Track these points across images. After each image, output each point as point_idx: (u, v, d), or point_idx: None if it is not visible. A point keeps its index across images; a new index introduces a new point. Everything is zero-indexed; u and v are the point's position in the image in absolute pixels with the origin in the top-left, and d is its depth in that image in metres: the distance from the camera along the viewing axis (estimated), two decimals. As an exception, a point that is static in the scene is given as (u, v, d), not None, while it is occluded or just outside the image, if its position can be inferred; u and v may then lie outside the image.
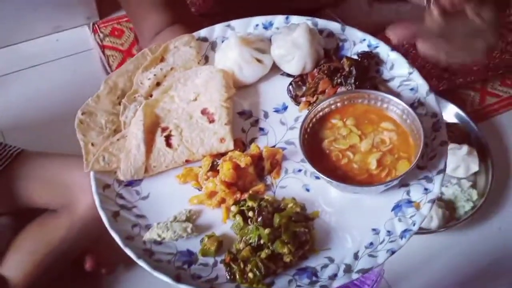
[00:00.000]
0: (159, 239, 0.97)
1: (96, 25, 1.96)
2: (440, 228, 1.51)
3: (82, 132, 1.08)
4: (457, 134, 1.64)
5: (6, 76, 1.90)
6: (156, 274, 0.92)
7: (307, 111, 1.05)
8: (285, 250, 0.92)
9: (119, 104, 1.13)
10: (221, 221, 1.00)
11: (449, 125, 1.66)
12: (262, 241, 0.94)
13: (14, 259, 1.33)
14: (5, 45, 1.96)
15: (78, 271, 1.43)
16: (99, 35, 1.93)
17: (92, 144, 1.07)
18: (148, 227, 1.00)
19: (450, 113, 1.69)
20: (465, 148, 1.58)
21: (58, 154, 1.42)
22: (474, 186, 1.60)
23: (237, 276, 0.92)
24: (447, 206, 1.56)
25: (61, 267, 1.39)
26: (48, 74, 1.89)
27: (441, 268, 1.54)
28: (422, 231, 1.49)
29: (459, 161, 1.57)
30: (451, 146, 1.59)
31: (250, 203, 0.98)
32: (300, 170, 1.05)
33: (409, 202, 0.98)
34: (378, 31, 1.62)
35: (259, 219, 0.95)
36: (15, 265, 1.33)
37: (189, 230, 0.98)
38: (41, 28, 1.95)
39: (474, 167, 1.59)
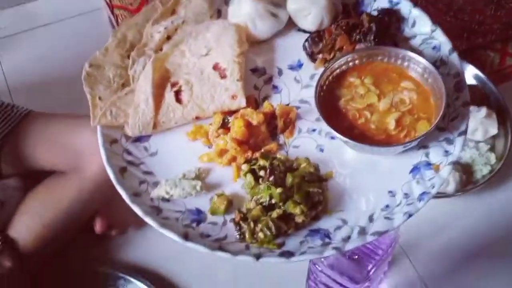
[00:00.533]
0: (167, 196, 0.94)
1: (104, -16, 1.90)
2: (456, 192, 1.46)
3: (89, 85, 1.04)
4: (476, 96, 1.57)
5: (14, 36, 1.87)
6: (164, 231, 0.89)
7: (323, 68, 1.00)
8: (297, 210, 0.89)
9: (128, 57, 1.09)
10: (231, 179, 0.97)
11: (468, 87, 1.60)
12: (273, 201, 0.90)
13: (22, 221, 1.31)
14: (13, 5, 1.92)
15: (88, 233, 1.42)
16: (107, -6, 1.87)
17: (100, 98, 1.03)
18: (156, 184, 0.97)
19: (469, 74, 1.63)
20: (483, 110, 1.52)
21: (67, 115, 1.39)
22: (492, 149, 1.55)
23: (247, 236, 0.89)
24: (464, 169, 1.51)
25: (71, 229, 1.37)
26: (56, 34, 1.86)
27: (458, 233, 1.50)
28: (438, 195, 1.44)
29: (477, 123, 1.51)
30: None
31: (261, 162, 0.94)
32: (314, 130, 1.01)
33: (428, 164, 0.94)
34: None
35: (271, 178, 0.91)
36: (23, 228, 1.31)
37: (198, 188, 0.94)
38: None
39: (493, 130, 1.53)
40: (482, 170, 1.51)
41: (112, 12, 1.84)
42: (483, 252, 1.47)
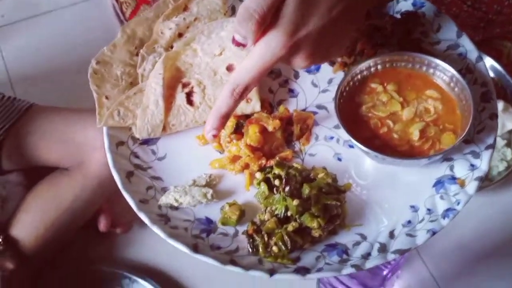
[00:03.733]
0: (176, 204, 0.89)
1: (108, -30, 1.84)
2: None
3: (96, 83, 0.99)
4: None
5: (15, 24, 1.81)
6: (172, 242, 0.84)
7: (344, 73, 0.95)
8: (315, 224, 0.84)
9: (137, 54, 1.03)
10: (243, 188, 0.91)
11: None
12: (289, 213, 0.85)
13: (24, 220, 1.27)
14: None
15: (92, 231, 1.37)
16: (111, -19, 1.81)
17: (107, 97, 0.98)
18: (164, 190, 0.92)
19: (486, 67, 1.58)
20: (500, 104, 1.47)
21: (71, 110, 1.34)
22: (509, 144, 1.49)
23: (260, 249, 0.84)
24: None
25: (74, 228, 1.32)
26: (59, 22, 1.80)
27: (473, 231, 1.46)
28: None
29: None
30: (485, 101, 1.49)
31: (277, 171, 0.89)
32: (332, 138, 0.96)
33: (453, 178, 0.89)
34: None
35: (287, 188, 0.86)
36: (26, 226, 1.27)
37: (209, 196, 0.89)
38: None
39: (510, 124, 1.48)
40: (498, 167, 1.46)
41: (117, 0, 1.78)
42: (497, 251, 1.43)
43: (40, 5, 1.83)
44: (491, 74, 1.56)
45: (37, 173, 1.34)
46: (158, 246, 1.39)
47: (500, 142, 1.48)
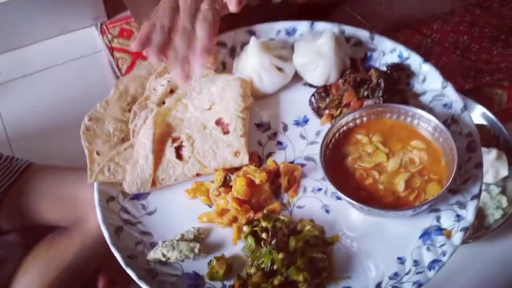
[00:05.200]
0: (163, 259, 0.90)
1: (104, 26, 1.89)
2: (469, 238, 1.40)
3: (87, 139, 1.01)
4: (485, 136, 1.52)
5: (12, 82, 1.84)
6: (159, 297, 0.84)
7: (330, 125, 0.96)
8: (301, 277, 0.84)
9: (129, 111, 1.06)
10: (231, 241, 0.92)
11: (477, 127, 1.56)
12: (275, 267, 0.85)
13: (23, 282, 1.27)
14: (11, 49, 1.89)
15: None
16: (107, 37, 1.86)
17: (98, 153, 1.00)
18: (153, 245, 0.92)
19: (477, 113, 1.59)
20: (494, 152, 1.47)
21: (68, 168, 1.36)
22: (503, 192, 1.49)
23: (249, 305, 0.83)
24: (476, 214, 1.45)
25: (73, 287, 1.32)
26: (56, 78, 1.83)
27: (471, 280, 1.44)
28: None
29: (488, 166, 1.46)
30: (479, 150, 1.49)
31: (264, 224, 0.89)
32: (320, 189, 0.97)
33: (440, 229, 0.89)
34: (399, 26, 1.54)
35: (273, 241, 0.87)
36: None
37: (196, 250, 0.90)
38: (48, 30, 1.88)
39: (504, 171, 1.48)
40: (494, 215, 1.45)
41: (112, 55, 1.83)
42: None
43: (36, 63, 1.86)
44: (483, 122, 1.58)
45: (36, 233, 1.34)
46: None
47: (495, 190, 1.48)
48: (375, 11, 1.42)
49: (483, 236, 1.42)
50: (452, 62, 1.58)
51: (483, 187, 1.47)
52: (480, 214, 1.47)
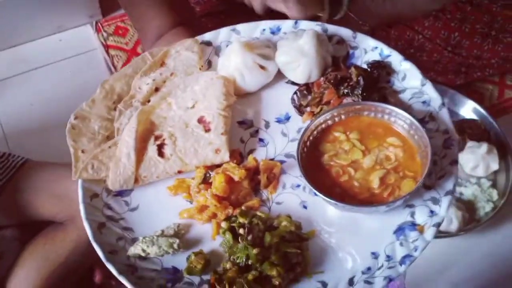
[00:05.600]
0: (143, 254, 0.92)
1: (99, 24, 1.90)
2: (460, 231, 1.42)
3: (72, 137, 1.04)
4: (476, 131, 1.54)
5: (9, 80, 1.87)
6: (137, 291, 0.86)
7: (308, 122, 0.98)
8: (274, 272, 0.85)
9: (115, 109, 1.08)
10: (210, 237, 0.94)
11: (467, 122, 1.58)
12: (250, 262, 0.87)
13: (21, 276, 1.30)
14: (6, 47, 1.91)
15: (88, 283, 1.39)
16: (102, 35, 1.88)
17: (83, 151, 1.03)
18: (134, 240, 0.95)
19: (468, 109, 1.60)
20: (484, 146, 1.48)
21: (64, 164, 1.37)
22: (494, 185, 1.50)
23: (226, 299, 0.86)
24: (467, 207, 1.47)
25: (70, 281, 1.34)
26: (52, 76, 1.85)
27: (462, 273, 1.45)
28: (441, 234, 1.41)
29: (479, 159, 1.48)
30: (470, 144, 1.51)
31: (241, 220, 0.92)
32: (298, 186, 0.98)
33: (413, 225, 0.90)
34: (392, 23, 1.55)
35: (249, 237, 0.89)
36: (22, 283, 1.29)
37: (175, 246, 0.92)
38: (43, 28, 1.90)
39: (494, 165, 1.49)
40: (485, 208, 1.46)
41: (108, 53, 1.85)
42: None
43: (32, 61, 1.88)
44: (474, 117, 1.59)
45: (32, 228, 1.37)
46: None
47: (486, 183, 1.49)
48: (368, 8, 1.44)
49: (474, 229, 1.43)
50: (443, 58, 1.59)
51: (474, 180, 1.49)
52: (471, 207, 1.49)
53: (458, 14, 1.58)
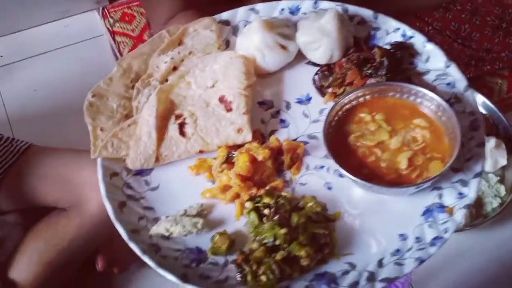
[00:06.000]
0: (166, 234, 0.90)
1: (105, 10, 1.87)
2: (466, 226, 1.42)
3: (91, 115, 1.01)
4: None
5: (13, 64, 1.84)
6: (161, 271, 0.85)
7: (333, 103, 0.96)
8: (303, 253, 0.84)
9: (132, 88, 1.06)
10: (234, 217, 0.92)
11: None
12: (277, 242, 0.86)
13: (22, 262, 1.27)
14: (12, 32, 1.88)
15: (89, 271, 1.37)
16: (109, 21, 1.85)
17: (101, 129, 1.01)
18: (155, 220, 0.93)
19: (477, 103, 1.59)
20: (492, 141, 1.48)
21: (68, 150, 1.35)
22: (502, 181, 1.50)
23: (249, 279, 0.84)
24: (474, 202, 1.46)
25: (72, 268, 1.32)
26: (57, 62, 1.82)
27: (468, 268, 1.46)
28: None
29: (487, 154, 1.47)
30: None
31: (266, 200, 0.90)
32: (322, 167, 0.97)
33: (441, 206, 0.89)
34: (402, 14, 1.54)
35: (276, 217, 0.87)
36: (24, 268, 1.27)
37: (199, 225, 0.90)
38: (49, 13, 1.87)
39: (502, 160, 1.49)
40: (492, 203, 1.46)
41: (114, 39, 1.82)
42: (494, 286, 1.41)
43: (37, 46, 1.85)
44: (483, 111, 1.58)
45: (35, 214, 1.34)
46: (154, 286, 1.38)
47: (493, 179, 1.49)
48: None
49: (481, 224, 1.43)
50: (453, 51, 1.58)
51: (481, 176, 1.48)
52: (478, 202, 1.48)
53: (469, 5, 1.58)
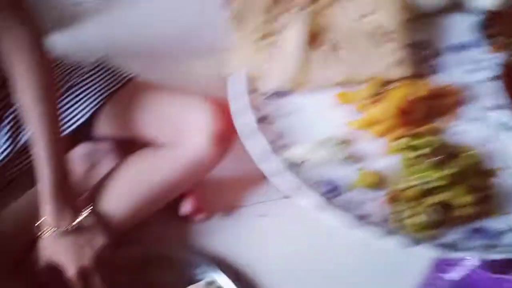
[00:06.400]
0: (306, 158, 0.83)
1: None
2: None
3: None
4: None
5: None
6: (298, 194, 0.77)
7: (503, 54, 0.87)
8: (463, 201, 0.75)
9: (274, 9, 0.98)
10: (382, 153, 0.84)
11: None
12: (434, 184, 0.77)
13: (113, 192, 1.23)
14: None
15: (170, 213, 1.32)
16: None
17: (242, 46, 0.94)
18: (292, 144, 0.85)
19: None
20: None
21: (176, 90, 1.30)
22: None
23: (399, 219, 0.76)
24: None
25: (157, 206, 1.27)
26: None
27: None
28: None
29: None
30: None
31: (424, 140, 0.81)
32: (478, 119, 0.88)
33: None
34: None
35: (435, 159, 0.78)
36: (114, 199, 1.22)
37: (343, 155, 0.82)
38: None
39: None
40: None
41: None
42: None
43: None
44: None
45: (128, 146, 1.30)
46: (235, 240, 1.31)
47: None
48: None
49: None
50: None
51: None
52: None
53: None
